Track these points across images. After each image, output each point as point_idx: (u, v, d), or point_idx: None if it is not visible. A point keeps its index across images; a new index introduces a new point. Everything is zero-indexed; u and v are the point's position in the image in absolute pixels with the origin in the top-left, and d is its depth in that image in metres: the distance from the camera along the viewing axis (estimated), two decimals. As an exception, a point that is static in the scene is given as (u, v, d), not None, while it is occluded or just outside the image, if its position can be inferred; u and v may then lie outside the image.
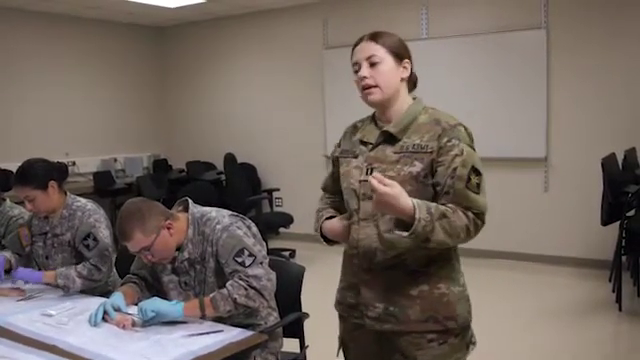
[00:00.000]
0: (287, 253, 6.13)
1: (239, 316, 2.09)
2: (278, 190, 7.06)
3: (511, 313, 4.33)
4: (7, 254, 2.67)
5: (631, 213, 4.47)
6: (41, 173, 2.54)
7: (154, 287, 2.28)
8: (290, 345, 2.36)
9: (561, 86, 5.42)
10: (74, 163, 6.76)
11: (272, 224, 6.42)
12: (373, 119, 1.83)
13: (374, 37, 1.74)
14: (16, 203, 3.09)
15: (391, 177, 1.64)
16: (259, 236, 2.21)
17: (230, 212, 2.23)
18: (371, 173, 1.65)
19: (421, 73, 1.85)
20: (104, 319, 2.07)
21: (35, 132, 6.60)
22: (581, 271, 5.26)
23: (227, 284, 2.05)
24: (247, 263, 2.06)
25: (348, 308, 1.84)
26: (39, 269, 2.63)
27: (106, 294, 2.43)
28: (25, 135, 6.47)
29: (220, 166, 6.87)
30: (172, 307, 2.01)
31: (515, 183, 5.72)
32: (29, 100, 6.59)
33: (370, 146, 1.76)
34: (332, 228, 1.85)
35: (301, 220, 6.12)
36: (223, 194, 6.37)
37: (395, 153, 1.70)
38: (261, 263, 2.09)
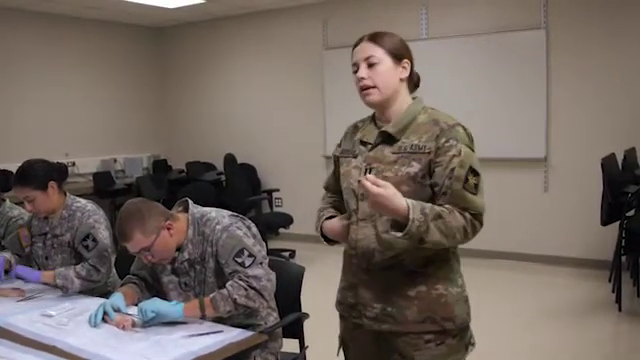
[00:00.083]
0: (287, 253, 6.13)
1: (239, 316, 2.09)
2: (278, 190, 7.06)
3: (511, 313, 4.33)
4: (7, 255, 2.67)
5: (631, 213, 4.47)
6: (41, 174, 2.54)
7: (154, 288, 2.28)
8: (290, 345, 2.36)
9: (561, 86, 5.42)
10: (74, 163, 6.76)
11: (272, 224, 6.43)
12: (373, 119, 1.83)
13: (373, 38, 1.74)
14: (16, 204, 3.09)
15: (389, 177, 1.65)
16: (259, 236, 2.21)
17: (230, 212, 2.23)
18: (370, 173, 1.66)
19: (421, 73, 1.85)
20: (104, 320, 2.06)
21: (35, 132, 6.60)
22: (581, 271, 5.27)
23: (227, 284, 2.05)
24: (247, 263, 2.06)
25: (348, 308, 1.84)
26: (39, 269, 2.63)
27: (106, 295, 2.43)
28: (25, 135, 6.47)
29: (220, 166, 6.87)
30: (172, 308, 2.01)
31: (515, 183, 5.72)
32: (29, 100, 6.59)
33: (369, 146, 1.77)
34: (332, 228, 1.85)
35: (301, 220, 6.13)
36: (223, 194, 6.37)
37: (393, 153, 1.70)
38: (261, 263, 2.09)
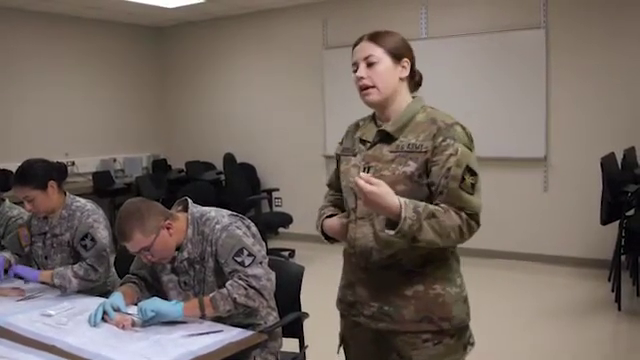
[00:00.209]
0: (286, 253, 6.13)
1: (239, 316, 2.09)
2: (277, 190, 7.06)
3: (510, 313, 4.33)
4: (7, 254, 2.67)
5: (630, 212, 4.48)
6: (40, 173, 2.54)
7: (153, 287, 2.28)
8: (290, 345, 2.36)
9: (560, 86, 5.42)
10: (73, 163, 6.76)
11: (271, 224, 6.43)
12: (373, 118, 1.83)
13: (373, 37, 1.74)
14: (15, 203, 3.09)
15: (386, 176, 1.65)
16: (258, 236, 2.21)
17: (229, 212, 2.23)
18: (368, 172, 1.66)
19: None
20: (103, 319, 2.07)
21: (35, 132, 6.60)
22: (580, 271, 5.27)
23: (227, 284, 2.05)
24: (246, 263, 2.06)
25: (347, 306, 1.85)
26: (38, 269, 2.63)
27: (105, 294, 2.43)
28: (25, 135, 6.47)
29: (219, 166, 6.87)
30: (172, 307, 2.01)
31: (514, 183, 5.72)
32: (29, 100, 6.59)
33: (368, 144, 1.77)
34: (332, 226, 1.86)
35: (300, 220, 6.13)
36: (222, 194, 6.37)
37: (391, 152, 1.71)
38: (260, 263, 2.09)
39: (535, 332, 3.94)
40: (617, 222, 4.39)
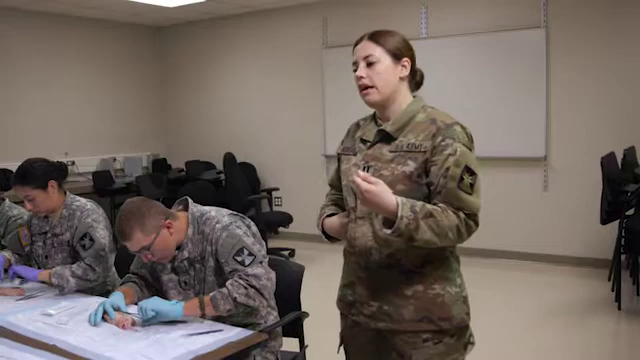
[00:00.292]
0: (286, 252, 6.13)
1: (239, 315, 2.09)
2: (277, 189, 7.06)
3: (510, 312, 4.33)
4: (7, 254, 2.68)
5: (630, 212, 4.48)
6: (41, 173, 2.54)
7: (154, 286, 2.28)
8: (290, 344, 2.36)
9: (561, 85, 5.42)
10: (73, 163, 6.76)
11: (271, 223, 6.42)
12: (374, 117, 1.83)
13: (373, 37, 1.74)
14: (15, 203, 3.09)
15: (385, 176, 1.65)
16: (258, 235, 2.21)
17: (229, 211, 2.23)
18: (367, 171, 1.66)
19: (420, 72, 1.85)
20: (104, 319, 2.07)
21: (35, 132, 6.60)
22: (580, 270, 5.27)
23: (227, 283, 2.05)
24: (247, 262, 2.06)
25: (347, 305, 1.85)
26: (39, 269, 2.63)
27: (105, 294, 2.44)
28: (25, 135, 6.47)
29: (219, 166, 6.87)
30: (172, 307, 2.01)
31: (514, 182, 5.72)
32: (29, 100, 6.59)
33: (368, 144, 1.77)
34: (332, 225, 1.86)
35: (300, 219, 6.13)
36: (222, 194, 6.37)
37: (390, 152, 1.71)
38: (261, 262, 2.09)
39: (535, 331, 3.94)
40: (617, 221, 4.39)
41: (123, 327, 2.00)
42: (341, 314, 1.92)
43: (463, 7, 5.83)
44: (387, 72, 1.72)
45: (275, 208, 7.11)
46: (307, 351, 2.38)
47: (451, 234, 1.59)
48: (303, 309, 2.38)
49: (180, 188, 6.21)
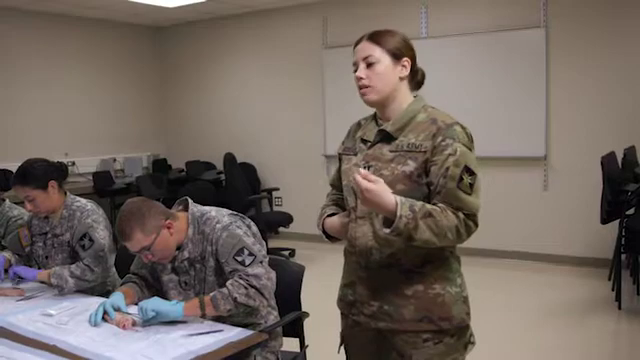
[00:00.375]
0: (287, 252, 6.14)
1: (239, 315, 2.09)
2: (278, 190, 7.06)
3: (510, 312, 4.33)
4: (7, 254, 2.68)
5: (630, 211, 4.48)
6: (41, 173, 2.54)
7: (154, 287, 2.28)
8: (290, 344, 2.36)
9: (560, 85, 5.42)
10: (73, 163, 6.76)
11: (272, 223, 6.43)
12: (374, 117, 1.83)
13: (372, 37, 1.74)
14: (16, 203, 3.09)
15: (386, 176, 1.65)
16: (259, 235, 2.21)
17: (230, 211, 2.23)
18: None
19: (420, 72, 1.84)
20: (104, 319, 2.07)
21: (35, 132, 6.60)
22: (581, 270, 5.27)
23: (227, 283, 2.05)
24: (247, 262, 2.06)
25: (347, 305, 1.85)
26: (39, 269, 2.63)
27: (106, 294, 2.44)
28: (25, 135, 6.47)
29: (220, 166, 6.87)
30: (172, 307, 2.01)
31: (514, 182, 5.72)
32: (29, 100, 6.59)
33: (369, 144, 1.77)
34: (332, 225, 1.86)
35: (301, 219, 6.13)
36: (223, 194, 6.37)
37: (391, 152, 1.71)
38: (261, 262, 2.10)
39: (535, 331, 3.95)
40: (617, 221, 4.39)
41: (123, 327, 2.00)
42: (341, 314, 1.92)
43: (463, 7, 5.84)
44: (387, 72, 1.72)
45: (275, 208, 7.11)
46: (307, 351, 2.38)
47: (450, 234, 1.59)
48: (303, 309, 2.38)
49: (180, 188, 6.21)
